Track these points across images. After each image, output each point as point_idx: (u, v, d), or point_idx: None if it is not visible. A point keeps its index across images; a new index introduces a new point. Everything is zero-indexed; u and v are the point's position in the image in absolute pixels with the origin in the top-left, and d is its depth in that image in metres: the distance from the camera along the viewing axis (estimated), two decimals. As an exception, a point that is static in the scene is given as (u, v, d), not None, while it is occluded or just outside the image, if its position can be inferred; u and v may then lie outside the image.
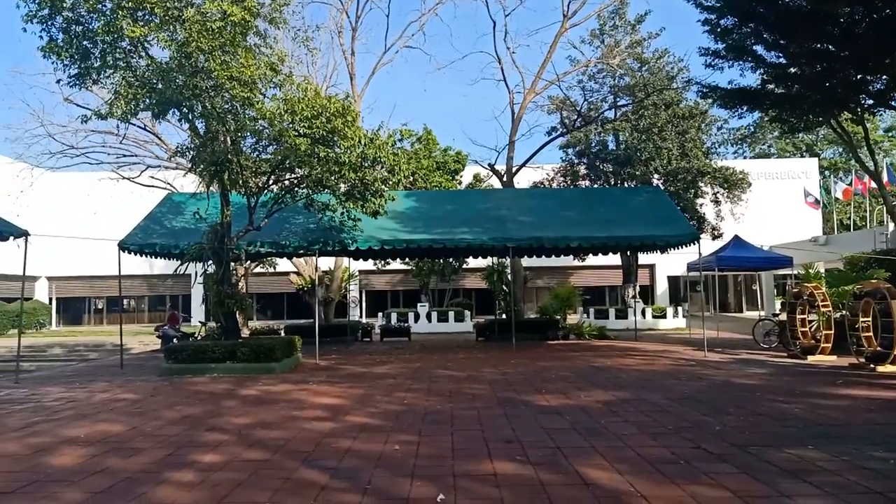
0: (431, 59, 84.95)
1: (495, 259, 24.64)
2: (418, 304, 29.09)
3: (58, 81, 12.18)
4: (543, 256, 19.89)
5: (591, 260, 30.88)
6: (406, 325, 23.90)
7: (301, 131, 12.02)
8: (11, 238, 11.46)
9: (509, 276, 23.18)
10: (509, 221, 16.83)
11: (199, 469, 5.38)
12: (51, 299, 39.97)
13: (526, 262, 24.99)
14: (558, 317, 22.57)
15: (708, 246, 21.66)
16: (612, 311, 27.14)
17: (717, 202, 27.65)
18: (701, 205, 27.38)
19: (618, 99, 28.21)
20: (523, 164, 25.69)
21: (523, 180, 28.82)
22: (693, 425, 6.80)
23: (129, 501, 4.53)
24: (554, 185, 28.87)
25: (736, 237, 19.91)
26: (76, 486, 4.93)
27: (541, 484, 4.79)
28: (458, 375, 11.55)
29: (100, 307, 42.16)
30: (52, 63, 11.63)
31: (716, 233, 26.78)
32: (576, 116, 27.60)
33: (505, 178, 25.24)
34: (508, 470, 5.20)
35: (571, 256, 26.67)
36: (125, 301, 37.93)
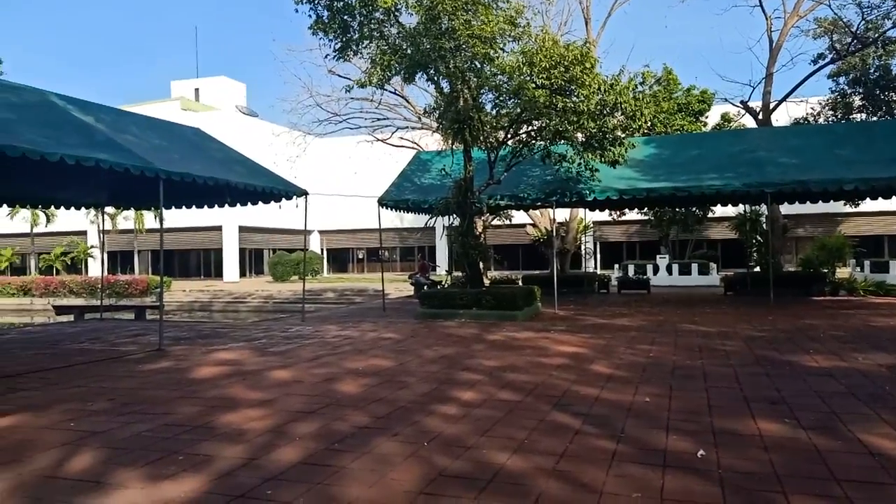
0: (672, -8, 78.40)
1: (747, 206, 22.51)
2: (657, 256, 27.88)
3: (325, 56, 13.67)
4: (808, 202, 17.72)
5: (866, 205, 26.75)
6: (645, 277, 23.12)
7: (539, 83, 12.05)
8: (294, 197, 13.34)
9: (764, 225, 21.06)
10: (766, 164, 15.22)
11: (461, 404, 5.86)
12: (322, 250, 45.84)
13: (783, 208, 22.48)
14: (825, 270, 20.04)
15: None
16: (893, 264, 23.32)
17: None
18: None
19: (907, 12, 23.53)
20: (783, 99, 22.90)
21: (782, 117, 25.71)
22: None
23: (405, 427, 5.11)
24: (820, 120, 25.30)
25: None
26: (362, 411, 5.68)
27: (815, 449, 4.39)
28: (707, 331, 10.93)
29: (360, 257, 47.37)
30: (319, 39, 13.09)
31: None
32: (850, 39, 23.71)
33: (760, 116, 22.76)
34: (775, 431, 4.84)
35: (842, 202, 23.31)
36: (381, 252, 42.13)
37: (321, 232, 45.19)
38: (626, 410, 5.54)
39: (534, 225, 25.00)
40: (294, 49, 49.38)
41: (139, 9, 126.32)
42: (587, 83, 12.04)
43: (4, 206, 13.46)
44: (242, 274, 41.00)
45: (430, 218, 15.04)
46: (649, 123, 20.10)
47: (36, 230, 39.37)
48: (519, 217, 27.38)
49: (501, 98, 13.46)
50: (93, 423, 5.42)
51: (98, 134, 9.29)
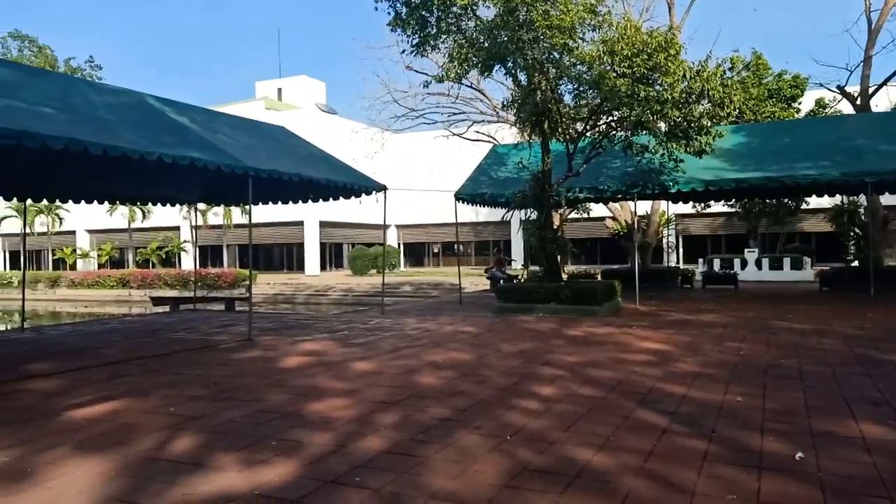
0: (761, -27, 74.74)
1: (844, 197, 21.20)
2: (745, 250, 26.70)
3: (402, 52, 13.83)
4: (913, 192, 16.49)
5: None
6: (732, 271, 22.19)
7: (621, 71, 11.76)
8: (373, 192, 13.58)
9: (863, 217, 19.77)
10: (866, 152, 14.28)
11: (541, 399, 5.81)
12: (399, 244, 46.54)
13: (884, 199, 21.04)
14: (932, 265, 18.62)
15: None
16: None
17: None
18: None
19: None
20: (883, 83, 21.43)
21: (882, 103, 24.05)
22: None
23: (487, 420, 5.12)
24: (928, 104, 23.51)
25: None
26: (442, 404, 5.74)
27: (928, 457, 4.09)
28: (801, 328, 10.38)
29: (436, 251, 47.78)
30: (397, 35, 13.24)
31: None
32: (963, 14, 21.81)
33: (859, 102, 21.37)
34: (879, 434, 4.55)
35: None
36: (456, 246, 42.35)
37: (398, 226, 45.87)
38: (716, 410, 5.34)
39: (613, 218, 24.45)
40: (373, 46, 50.33)
41: (226, 14, 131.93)
42: (671, 71, 11.65)
43: (106, 202, 14.36)
44: (323, 268, 42.18)
45: (507, 212, 15.00)
46: (738, 111, 19.27)
47: (133, 226, 41.86)
48: (597, 210, 26.86)
49: (581, 89, 13.21)
50: (191, 408, 5.71)
51: (192, 134, 9.77)
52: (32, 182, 12.23)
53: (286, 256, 43.81)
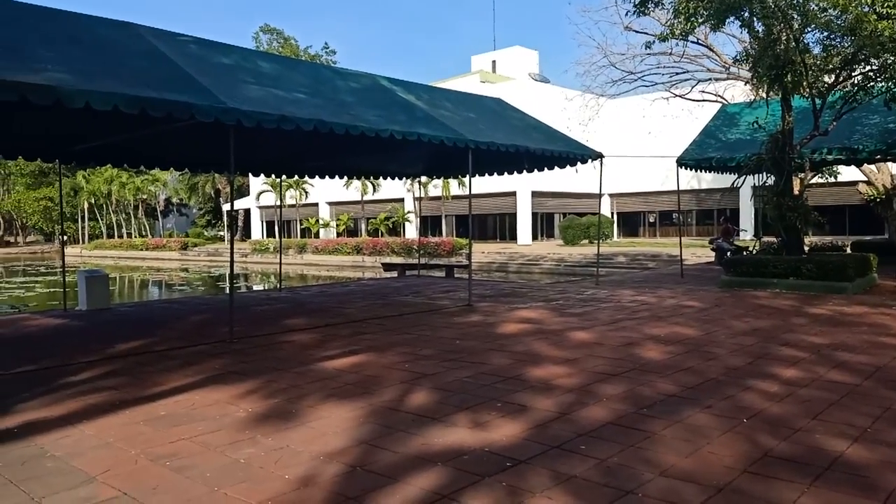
0: None
1: None
2: None
3: (626, 14, 13.23)
4: None
5: None
6: None
7: (884, 12, 10.06)
8: (588, 160, 13.31)
9: None
10: None
11: (782, 382, 5.32)
12: (612, 213, 45.24)
13: None
14: None
15: None
16: None
17: None
18: None
19: None
20: None
21: None
22: None
23: (719, 400, 4.83)
24: None
25: None
26: (667, 379, 5.52)
27: None
28: None
29: (652, 221, 45.62)
30: (617, -4, 12.68)
31: None
32: None
33: None
34: None
35: None
36: (675, 215, 39.95)
37: (611, 195, 44.48)
38: None
39: (868, 182, 21.21)
40: (588, 10, 49.03)
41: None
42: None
43: (344, 177, 15.90)
44: (534, 237, 42.55)
45: (738, 177, 13.73)
46: None
47: (365, 198, 45.87)
48: (846, 174, 23.51)
49: (831, 37, 11.55)
50: (422, 366, 6.18)
51: (419, 111, 10.38)
52: (284, 161, 13.94)
53: (499, 226, 44.89)
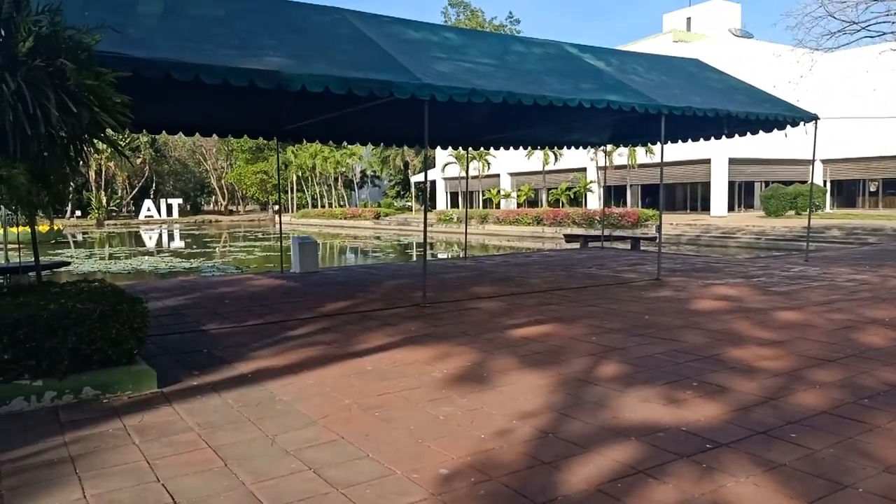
0: None
1: None
2: None
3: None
4: None
5: None
6: None
7: None
8: (802, 123, 11.97)
9: None
10: None
11: None
12: (825, 182, 40.51)
13: None
14: None
15: None
16: None
17: None
18: None
19: None
20: None
21: None
22: None
23: (962, 397, 4.22)
24: None
25: None
26: (893, 368, 4.92)
27: None
28: None
29: (873, 190, 40.20)
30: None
31: None
32: None
33: None
34: None
35: None
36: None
37: (824, 161, 39.69)
38: None
39: None
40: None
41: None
42: None
43: (527, 148, 15.91)
44: (730, 208, 39.44)
45: None
46: None
47: (546, 168, 45.55)
48: None
49: None
50: (610, 339, 6.10)
51: (607, 77, 10.04)
52: (468, 133, 14.26)
53: (690, 196, 42.21)
